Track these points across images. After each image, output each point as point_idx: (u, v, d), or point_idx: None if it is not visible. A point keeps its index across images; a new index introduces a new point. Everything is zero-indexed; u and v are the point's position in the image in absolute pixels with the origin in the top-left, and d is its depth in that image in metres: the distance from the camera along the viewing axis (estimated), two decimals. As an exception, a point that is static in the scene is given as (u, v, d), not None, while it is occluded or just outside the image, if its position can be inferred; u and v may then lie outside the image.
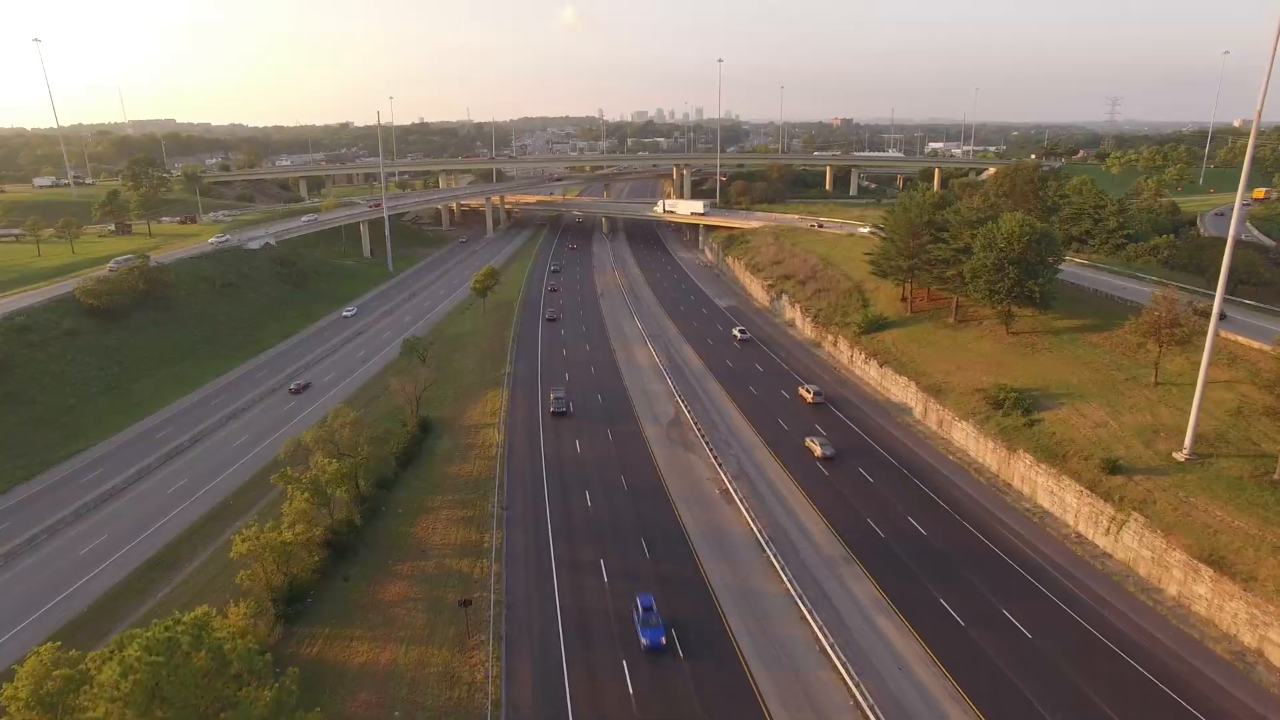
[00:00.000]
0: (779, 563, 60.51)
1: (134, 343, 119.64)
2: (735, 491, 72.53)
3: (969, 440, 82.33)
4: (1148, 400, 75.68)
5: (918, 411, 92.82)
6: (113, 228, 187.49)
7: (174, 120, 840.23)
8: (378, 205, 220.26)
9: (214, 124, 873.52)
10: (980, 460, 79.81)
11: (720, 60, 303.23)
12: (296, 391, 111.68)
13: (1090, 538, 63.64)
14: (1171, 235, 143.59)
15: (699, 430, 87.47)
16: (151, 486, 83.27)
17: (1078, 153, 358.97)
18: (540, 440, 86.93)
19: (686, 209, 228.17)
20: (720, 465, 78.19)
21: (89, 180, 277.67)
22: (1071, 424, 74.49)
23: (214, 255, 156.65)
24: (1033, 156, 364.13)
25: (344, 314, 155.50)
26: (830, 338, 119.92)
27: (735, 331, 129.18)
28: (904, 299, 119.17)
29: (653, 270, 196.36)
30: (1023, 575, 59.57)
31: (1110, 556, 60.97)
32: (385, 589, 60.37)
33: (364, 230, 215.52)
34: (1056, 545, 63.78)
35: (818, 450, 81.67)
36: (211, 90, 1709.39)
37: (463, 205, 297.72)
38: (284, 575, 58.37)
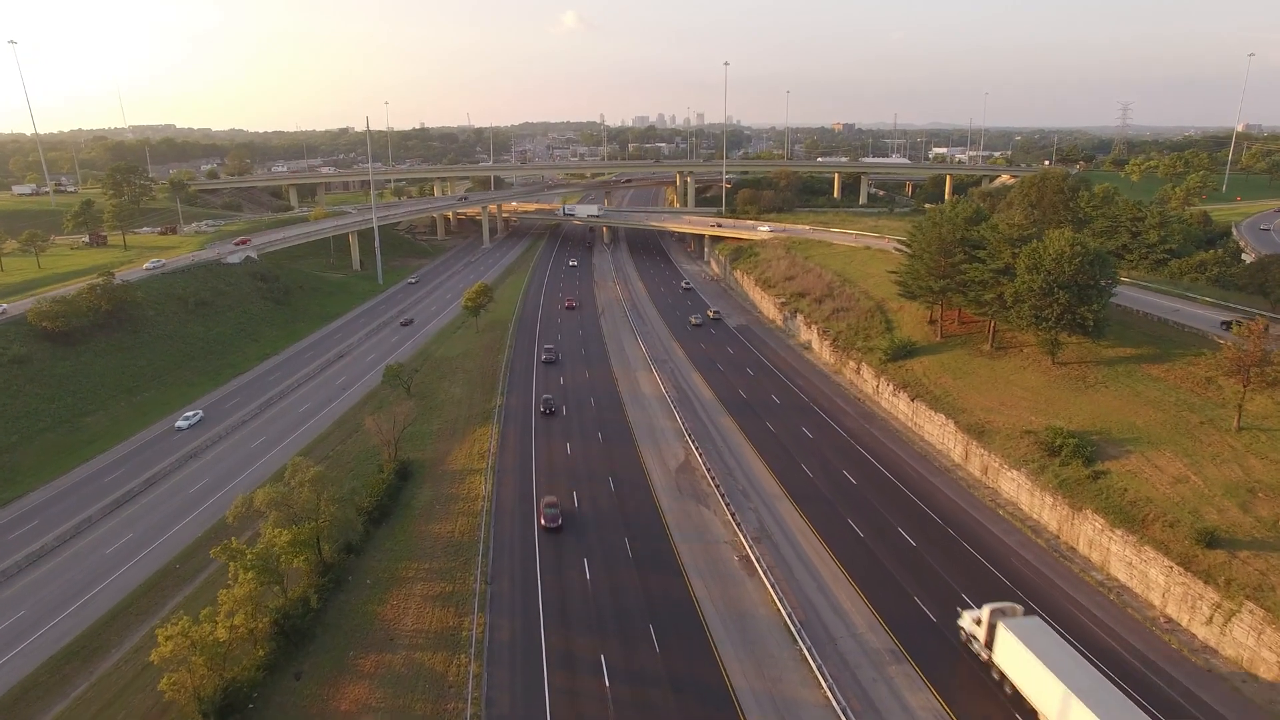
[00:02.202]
0: (815, 661, 50.29)
1: (92, 370, 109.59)
2: (758, 560, 62.33)
3: (1021, 493, 72.13)
4: (1232, 449, 65.46)
5: (957, 454, 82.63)
6: (87, 239, 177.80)
7: (174, 125, 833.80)
8: (243, 243, 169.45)
9: (214, 129, 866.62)
10: (1036, 517, 69.59)
11: (727, 63, 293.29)
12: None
13: (1185, 625, 53.41)
14: (1219, 250, 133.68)
15: (712, 479, 77.28)
16: (90, 544, 73.18)
17: (1094, 158, 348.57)
18: (533, 492, 76.63)
19: (584, 212, 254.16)
20: (739, 525, 67.99)
21: (70, 188, 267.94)
22: (1145, 478, 64.33)
23: (188, 270, 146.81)
24: (1046, 163, 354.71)
25: (178, 426, 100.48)
26: (852, 364, 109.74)
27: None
28: (932, 321, 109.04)
29: (656, 284, 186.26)
30: (1111, 676, 49.22)
31: (1215, 652, 50.69)
32: (343, 693, 50.13)
33: (353, 241, 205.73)
34: (1143, 634, 53.54)
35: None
36: (212, 95, 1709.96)
37: (459, 214, 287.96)
38: (219, 679, 48.19)
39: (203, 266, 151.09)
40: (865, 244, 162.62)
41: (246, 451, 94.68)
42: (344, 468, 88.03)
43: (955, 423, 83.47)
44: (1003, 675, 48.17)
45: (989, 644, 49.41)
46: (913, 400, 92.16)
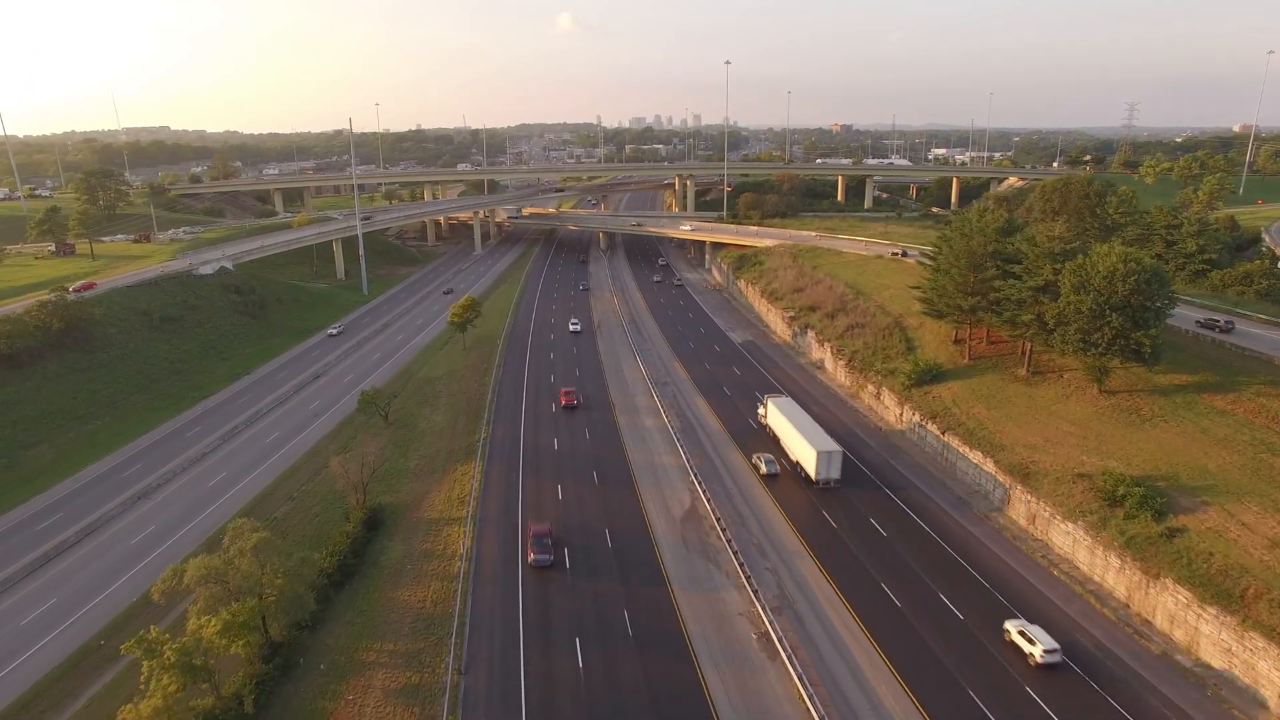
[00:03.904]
0: (859, 787, 40.99)
1: (40, 395, 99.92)
2: (780, 640, 52.90)
3: (1078, 549, 62.80)
4: (1331, 505, 56.31)
5: (997, 498, 73.28)
6: (53, 248, 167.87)
7: (168, 127, 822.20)
8: (86, 287, 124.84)
9: (209, 131, 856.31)
10: (1099, 580, 60.25)
11: (728, 62, 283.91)
12: None
13: (1307, 737, 44.13)
14: (1263, 259, 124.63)
15: (722, 530, 67.83)
16: (5, 611, 63.43)
17: (1103, 159, 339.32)
18: (518, 549, 66.99)
19: (502, 214, 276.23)
20: (755, 593, 58.53)
21: (46, 192, 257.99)
22: (1232, 538, 55.07)
23: (155, 283, 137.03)
24: (1054, 165, 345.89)
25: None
26: (871, 388, 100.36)
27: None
28: (958, 341, 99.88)
29: (655, 294, 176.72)
30: None
31: (1351, 778, 41.45)
32: (275, 830, 40.66)
33: (337, 249, 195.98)
34: (1254, 744, 44.23)
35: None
36: (212, 96, 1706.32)
37: (450, 218, 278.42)
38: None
39: (171, 278, 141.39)
40: (877, 252, 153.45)
41: (202, 491, 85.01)
42: (308, 513, 78.65)
43: (995, 462, 74.12)
44: (770, 428, 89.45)
45: (764, 416, 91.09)
46: (943, 433, 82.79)
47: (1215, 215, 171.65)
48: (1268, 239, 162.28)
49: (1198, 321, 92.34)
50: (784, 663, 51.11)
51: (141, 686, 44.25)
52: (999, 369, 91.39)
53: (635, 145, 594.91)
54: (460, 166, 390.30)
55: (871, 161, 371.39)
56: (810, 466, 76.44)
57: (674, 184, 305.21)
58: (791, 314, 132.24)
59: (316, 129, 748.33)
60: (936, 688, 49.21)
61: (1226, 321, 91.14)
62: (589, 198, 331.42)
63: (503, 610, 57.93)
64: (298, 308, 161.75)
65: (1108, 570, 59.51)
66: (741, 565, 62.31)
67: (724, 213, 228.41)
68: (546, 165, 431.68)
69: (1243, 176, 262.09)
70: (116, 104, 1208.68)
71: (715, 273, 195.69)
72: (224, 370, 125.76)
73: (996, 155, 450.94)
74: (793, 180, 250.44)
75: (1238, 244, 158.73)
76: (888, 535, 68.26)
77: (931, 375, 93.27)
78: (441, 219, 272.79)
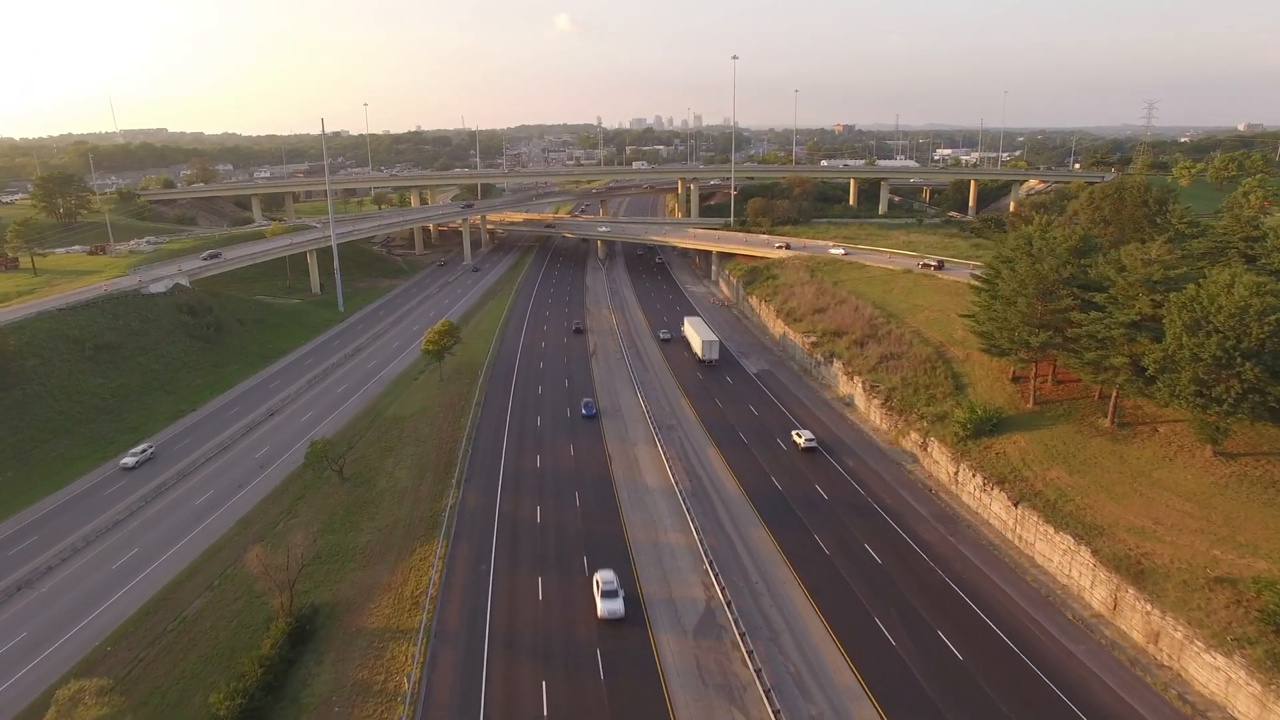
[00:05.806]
0: None
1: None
2: None
3: (1236, 694, 46.67)
4: None
5: (1097, 600, 57.36)
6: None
7: (165, 130, 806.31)
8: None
9: (206, 133, 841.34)
10: (1268, 742, 44.27)
11: (735, 57, 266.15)
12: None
13: None
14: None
15: (749, 650, 51.86)
16: None
17: (1129, 160, 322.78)
18: (483, 676, 51.13)
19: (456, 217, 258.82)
20: (802, 767, 42.65)
21: (8, 199, 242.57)
22: None
23: (94, 304, 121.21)
24: (1076, 165, 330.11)
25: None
26: (915, 435, 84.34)
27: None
28: (1017, 379, 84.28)
29: (659, 312, 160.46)
30: None
31: None
32: None
33: (312, 261, 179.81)
34: None
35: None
36: (214, 97, 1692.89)
37: (439, 225, 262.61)
38: None
39: (114, 299, 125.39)
40: (905, 266, 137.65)
41: (103, 577, 69.06)
42: (228, 610, 62.85)
43: (1091, 551, 58.20)
44: (684, 336, 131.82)
45: (684, 330, 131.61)
46: (1015, 505, 66.87)
47: (1271, 220, 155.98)
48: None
49: None
50: None
51: None
52: (1073, 417, 75.60)
53: (635, 146, 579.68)
54: (455, 170, 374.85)
55: (884, 163, 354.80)
56: (699, 351, 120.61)
57: (676, 187, 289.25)
58: (813, 339, 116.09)
59: (315, 130, 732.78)
60: None
61: None
62: (584, 204, 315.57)
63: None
64: (261, 329, 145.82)
65: (1282, 730, 43.58)
66: (774, 705, 46.36)
67: (730, 219, 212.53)
68: (545, 168, 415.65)
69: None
70: (113, 105, 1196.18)
71: (723, 286, 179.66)
72: (167, 406, 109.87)
73: (1005, 156, 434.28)
74: (804, 184, 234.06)
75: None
76: (963, 657, 52.36)
77: (991, 424, 77.38)
78: (431, 226, 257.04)
